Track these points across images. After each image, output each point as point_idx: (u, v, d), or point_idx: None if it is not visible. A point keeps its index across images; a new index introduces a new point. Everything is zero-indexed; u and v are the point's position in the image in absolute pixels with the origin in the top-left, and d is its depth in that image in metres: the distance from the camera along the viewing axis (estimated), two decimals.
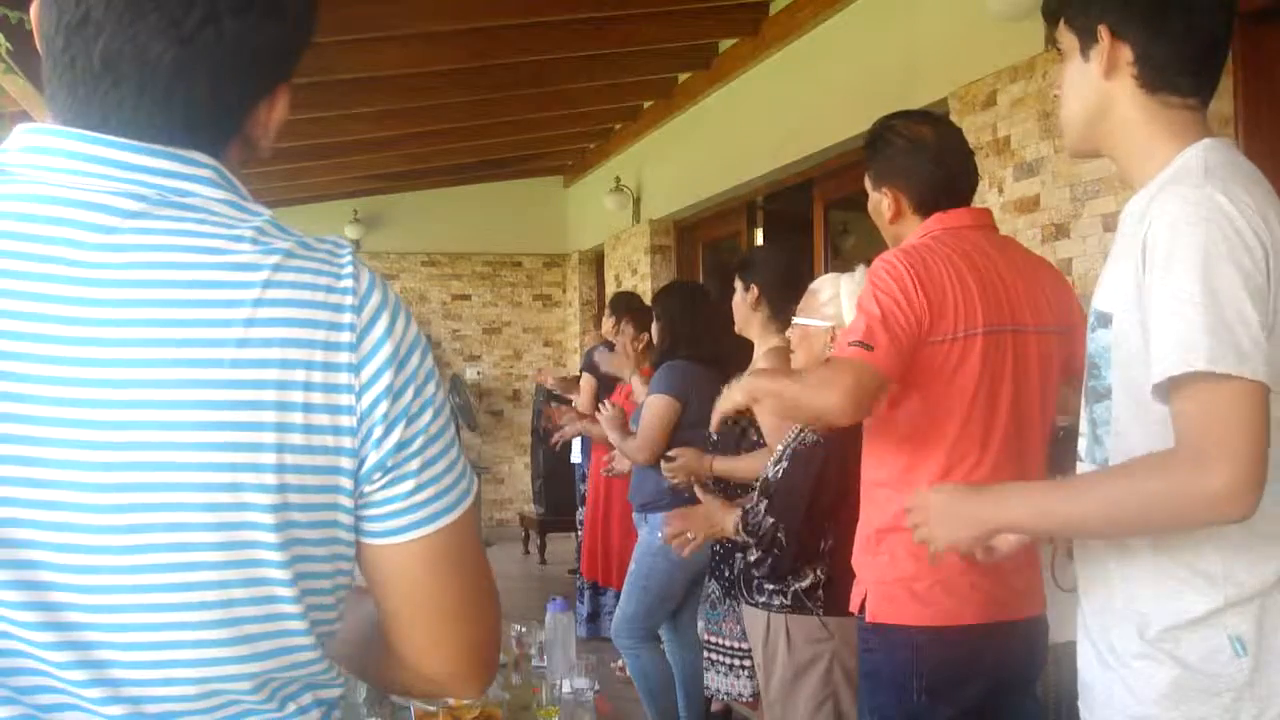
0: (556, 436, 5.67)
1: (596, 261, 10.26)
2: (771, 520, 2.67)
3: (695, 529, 2.94)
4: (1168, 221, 1.42)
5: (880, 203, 2.36)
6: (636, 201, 8.65)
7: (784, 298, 3.26)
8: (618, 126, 8.68)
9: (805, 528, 2.65)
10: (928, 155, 2.29)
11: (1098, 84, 1.58)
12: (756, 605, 2.77)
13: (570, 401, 6.27)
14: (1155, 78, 1.55)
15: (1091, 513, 1.49)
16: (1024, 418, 2.18)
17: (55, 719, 0.87)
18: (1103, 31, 1.56)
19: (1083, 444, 1.64)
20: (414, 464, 0.93)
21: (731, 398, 2.44)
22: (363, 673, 1.06)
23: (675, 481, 3.72)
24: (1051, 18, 1.65)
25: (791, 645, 2.69)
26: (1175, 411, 1.40)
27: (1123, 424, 1.54)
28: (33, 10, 0.93)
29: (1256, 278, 1.38)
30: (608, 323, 5.31)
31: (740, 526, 2.75)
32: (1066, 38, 1.63)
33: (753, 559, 2.72)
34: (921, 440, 2.15)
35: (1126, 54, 1.56)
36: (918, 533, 1.72)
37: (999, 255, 2.25)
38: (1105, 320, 1.54)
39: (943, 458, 2.14)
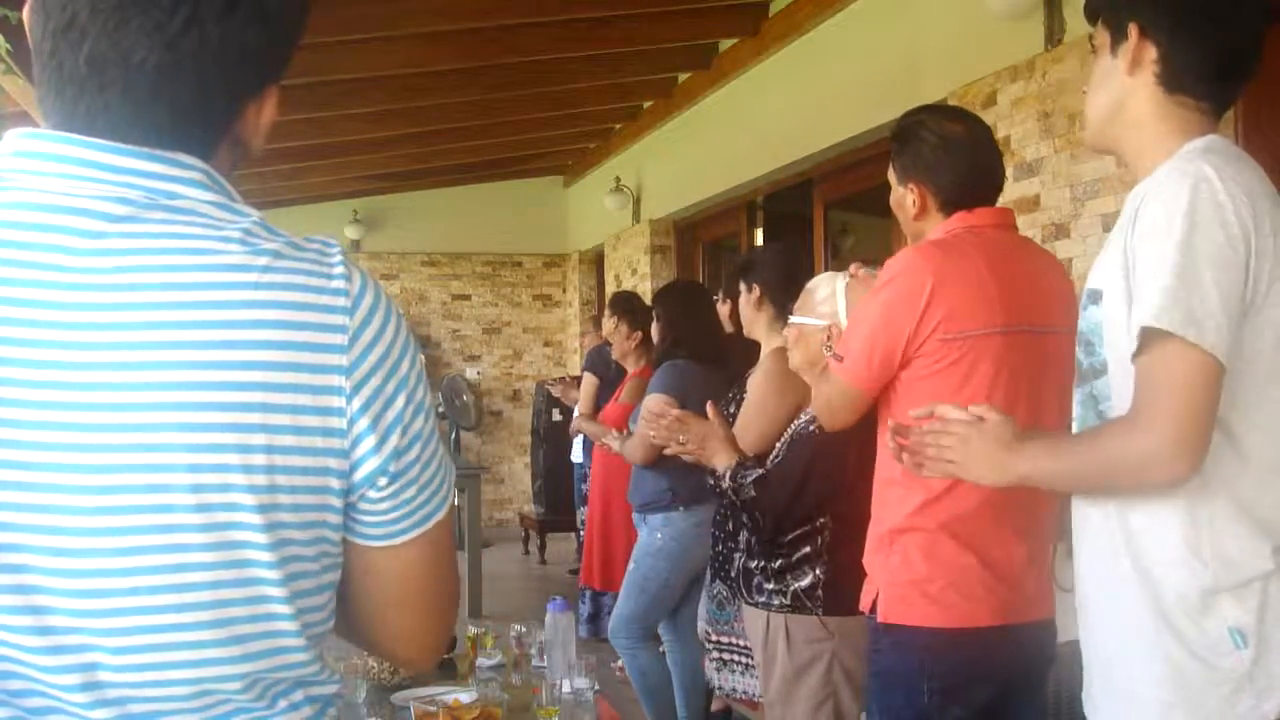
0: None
1: (596, 261, 10.26)
2: (754, 495, 2.67)
3: (688, 436, 2.86)
4: (1158, 192, 1.47)
5: (905, 198, 2.33)
6: (636, 201, 8.66)
7: (787, 297, 3.25)
8: (618, 126, 8.68)
9: (786, 510, 2.65)
10: (959, 153, 2.26)
11: (1121, 79, 1.62)
12: (756, 605, 2.77)
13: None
14: (1175, 79, 1.59)
15: (1070, 471, 1.60)
16: (1041, 417, 2.18)
17: None
18: (1132, 29, 1.60)
19: (1077, 426, 1.66)
20: (415, 470, 0.95)
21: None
22: None
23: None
24: (1091, 16, 1.69)
25: (791, 645, 2.68)
26: (1134, 369, 1.46)
27: (1120, 398, 1.56)
28: (25, 14, 0.93)
29: (1228, 251, 1.41)
30: (608, 323, 5.31)
31: (728, 473, 2.74)
32: (1100, 34, 1.67)
33: (729, 519, 2.72)
34: None
35: (1151, 53, 1.59)
36: (944, 451, 1.68)
37: (1020, 255, 2.26)
38: (1096, 297, 1.58)
39: None
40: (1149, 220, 1.45)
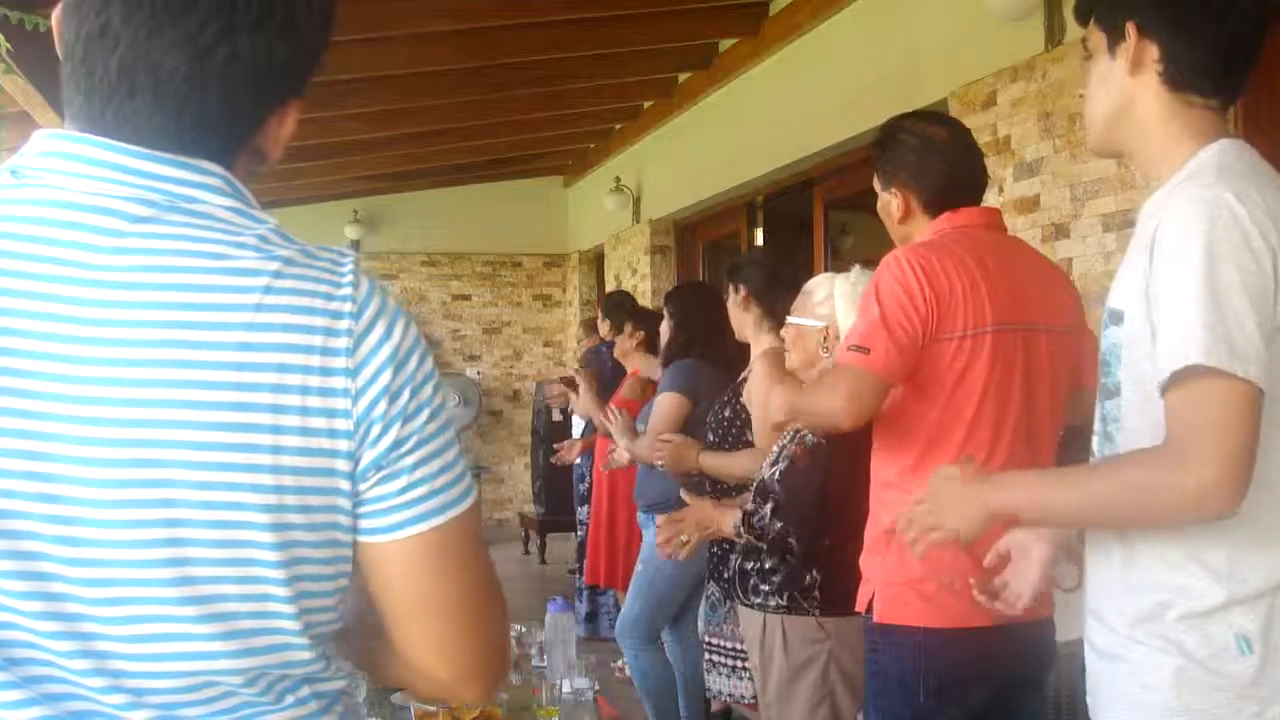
0: (558, 458, 5.81)
1: (596, 261, 10.26)
2: (780, 524, 2.65)
3: (687, 531, 2.93)
4: (1176, 220, 1.43)
5: (889, 203, 2.35)
6: (636, 201, 8.65)
7: (772, 297, 3.29)
8: (618, 126, 8.68)
9: (812, 530, 2.65)
10: (938, 155, 2.28)
11: (1122, 81, 1.59)
12: (752, 606, 2.76)
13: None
14: (1179, 77, 1.55)
15: (1084, 504, 1.54)
16: (1035, 416, 2.18)
17: (66, 708, 0.89)
18: (1130, 29, 1.57)
19: (1095, 441, 1.65)
20: (407, 461, 0.94)
21: (775, 419, 2.53)
22: (366, 666, 1.06)
23: (660, 466, 3.71)
24: (1082, 18, 1.66)
25: (788, 646, 2.68)
26: (1166, 404, 1.41)
27: (1132, 420, 1.54)
28: (54, 17, 0.95)
29: (1259, 277, 1.38)
30: (604, 325, 5.33)
31: (742, 528, 2.74)
32: (1095, 36, 1.64)
33: (767, 566, 2.70)
34: (931, 440, 2.15)
35: (1153, 52, 1.56)
36: (927, 520, 1.72)
37: (1008, 254, 2.26)
38: (1117, 318, 1.55)
39: (953, 457, 2.13)
40: (1170, 251, 1.42)
